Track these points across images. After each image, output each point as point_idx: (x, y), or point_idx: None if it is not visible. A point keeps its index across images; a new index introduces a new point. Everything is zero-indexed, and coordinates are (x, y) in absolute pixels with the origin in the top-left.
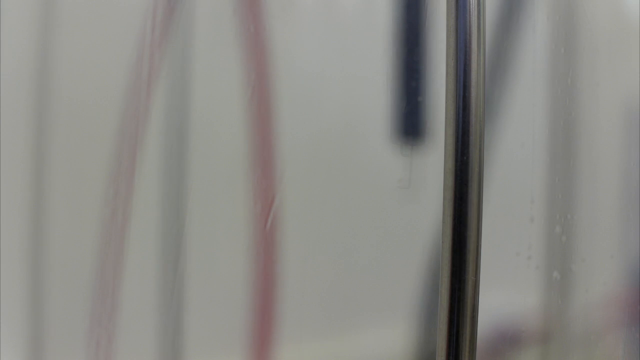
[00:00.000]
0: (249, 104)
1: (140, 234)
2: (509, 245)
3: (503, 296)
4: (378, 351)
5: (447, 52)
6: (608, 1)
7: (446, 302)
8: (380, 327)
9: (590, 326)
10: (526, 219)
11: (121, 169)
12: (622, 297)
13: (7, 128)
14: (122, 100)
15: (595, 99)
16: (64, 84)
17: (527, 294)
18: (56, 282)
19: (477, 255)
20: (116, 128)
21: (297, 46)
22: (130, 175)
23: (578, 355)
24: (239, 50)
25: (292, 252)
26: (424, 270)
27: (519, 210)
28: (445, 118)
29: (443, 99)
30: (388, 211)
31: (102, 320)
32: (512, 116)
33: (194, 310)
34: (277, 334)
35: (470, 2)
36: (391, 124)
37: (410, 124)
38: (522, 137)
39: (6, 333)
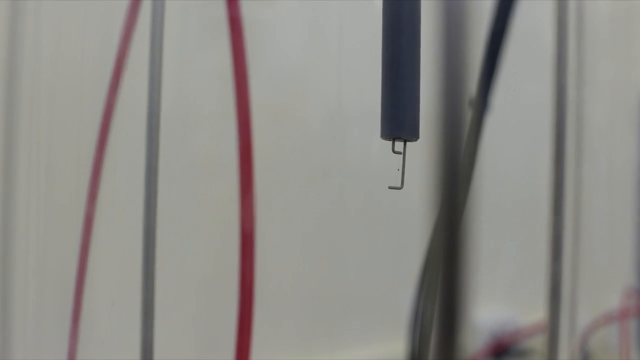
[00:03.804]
0: (227, 97)
1: (107, 235)
2: (510, 251)
3: (505, 306)
4: None
5: (436, 42)
6: None
7: (440, 312)
8: (369, 341)
9: (603, 337)
10: (529, 221)
11: (88, 167)
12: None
13: None
14: (87, 92)
15: (605, 90)
16: (29, 74)
17: (531, 304)
18: (25, 282)
19: (471, 262)
20: (82, 122)
21: (280, 38)
22: (96, 173)
23: None
24: (215, 39)
25: (271, 256)
26: (416, 278)
27: (522, 213)
28: (436, 112)
29: (437, 94)
30: (378, 213)
31: (70, 323)
32: (515, 111)
33: (164, 317)
34: (254, 346)
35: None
36: (382, 120)
37: (402, 120)
38: (525, 133)
39: None
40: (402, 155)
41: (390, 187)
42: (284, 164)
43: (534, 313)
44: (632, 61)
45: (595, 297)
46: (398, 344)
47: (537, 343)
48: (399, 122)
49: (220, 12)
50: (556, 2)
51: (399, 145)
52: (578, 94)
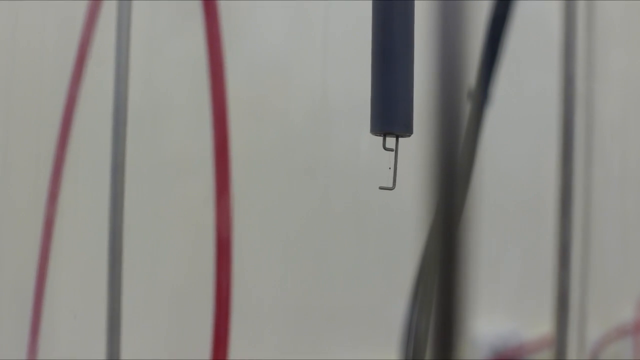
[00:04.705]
0: (201, 88)
1: (69, 240)
2: (513, 257)
3: (507, 319)
4: None
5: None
6: None
7: (436, 325)
8: (358, 357)
9: (616, 353)
10: (534, 225)
11: (48, 166)
12: None
13: None
14: (47, 83)
15: (617, 81)
16: None
17: (536, 316)
18: None
19: (470, 270)
20: (42, 115)
21: (260, 23)
22: (57, 172)
23: None
24: (187, 24)
25: (250, 264)
26: (410, 287)
27: (526, 215)
28: (431, 105)
29: (433, 85)
30: (368, 216)
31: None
32: (518, 104)
33: (131, 331)
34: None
35: None
36: (372, 113)
37: (394, 113)
38: (529, 128)
39: None
40: (394, 153)
41: (380, 188)
42: (264, 162)
43: (540, 326)
44: None
45: (606, 308)
46: (391, 355)
47: (543, 359)
48: (390, 116)
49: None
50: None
51: (390, 141)
52: (588, 86)
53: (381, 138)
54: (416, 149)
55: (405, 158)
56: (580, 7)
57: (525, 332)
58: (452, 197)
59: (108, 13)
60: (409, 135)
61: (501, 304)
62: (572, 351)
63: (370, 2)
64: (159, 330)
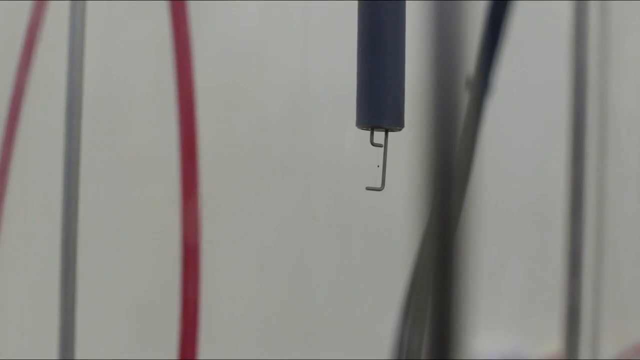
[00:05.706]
0: (165, 76)
1: (15, 247)
2: (518, 266)
3: (511, 335)
4: None
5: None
6: None
7: (430, 342)
8: None
9: None
10: (541, 230)
11: None
12: None
13: None
14: None
15: (633, 69)
16: None
17: (543, 332)
18: None
19: (468, 281)
20: None
21: (232, 2)
22: (3, 171)
23: None
24: (150, 3)
25: (220, 275)
26: (401, 300)
27: (532, 219)
28: (425, 96)
29: (427, 73)
30: (353, 220)
31: None
32: (523, 94)
33: (86, 351)
34: None
35: None
36: (358, 105)
37: (383, 105)
38: (535, 121)
39: None
40: (382, 149)
41: (368, 188)
42: (236, 160)
43: (547, 343)
44: None
45: (622, 323)
46: None
47: None
48: (378, 108)
49: None
50: None
51: (378, 136)
52: (601, 74)
53: (368, 132)
54: (408, 145)
55: (395, 155)
56: None
57: (531, 350)
58: (448, 199)
59: None
60: (400, 129)
61: (503, 318)
62: None
63: None
64: (118, 349)
